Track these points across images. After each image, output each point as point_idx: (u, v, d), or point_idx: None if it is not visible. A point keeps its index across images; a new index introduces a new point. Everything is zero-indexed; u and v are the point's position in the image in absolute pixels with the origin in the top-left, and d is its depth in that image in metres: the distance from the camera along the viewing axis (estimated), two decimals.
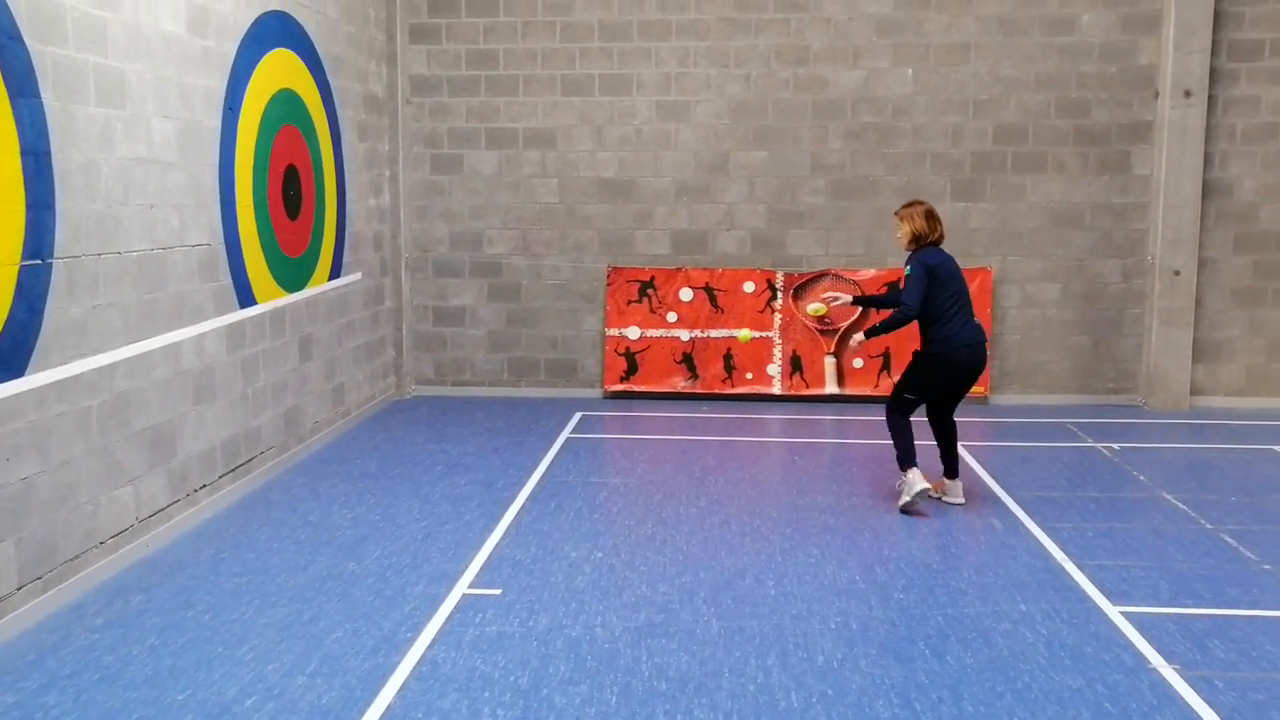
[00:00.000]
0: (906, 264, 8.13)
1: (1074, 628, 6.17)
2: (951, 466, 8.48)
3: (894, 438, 8.24)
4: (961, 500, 8.40)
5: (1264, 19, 11.62)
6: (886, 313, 8.69)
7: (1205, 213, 11.80)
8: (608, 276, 12.41)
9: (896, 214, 8.34)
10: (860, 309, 11.68)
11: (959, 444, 8.63)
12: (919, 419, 8.31)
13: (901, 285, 8.20)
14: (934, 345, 8.08)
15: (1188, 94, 11.56)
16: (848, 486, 8.85)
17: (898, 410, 8.26)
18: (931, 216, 8.22)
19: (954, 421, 8.48)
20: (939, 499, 8.41)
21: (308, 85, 9.92)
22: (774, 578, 6.94)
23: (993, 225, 12.09)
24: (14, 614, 6.04)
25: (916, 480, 8.10)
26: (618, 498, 8.66)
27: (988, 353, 8.29)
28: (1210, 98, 11.65)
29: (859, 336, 8.24)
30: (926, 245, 8.18)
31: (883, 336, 8.58)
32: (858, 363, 12.19)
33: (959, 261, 11.63)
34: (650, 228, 12.43)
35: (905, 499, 8.12)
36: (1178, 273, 11.78)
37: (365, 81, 11.54)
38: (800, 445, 10.51)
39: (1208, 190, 11.78)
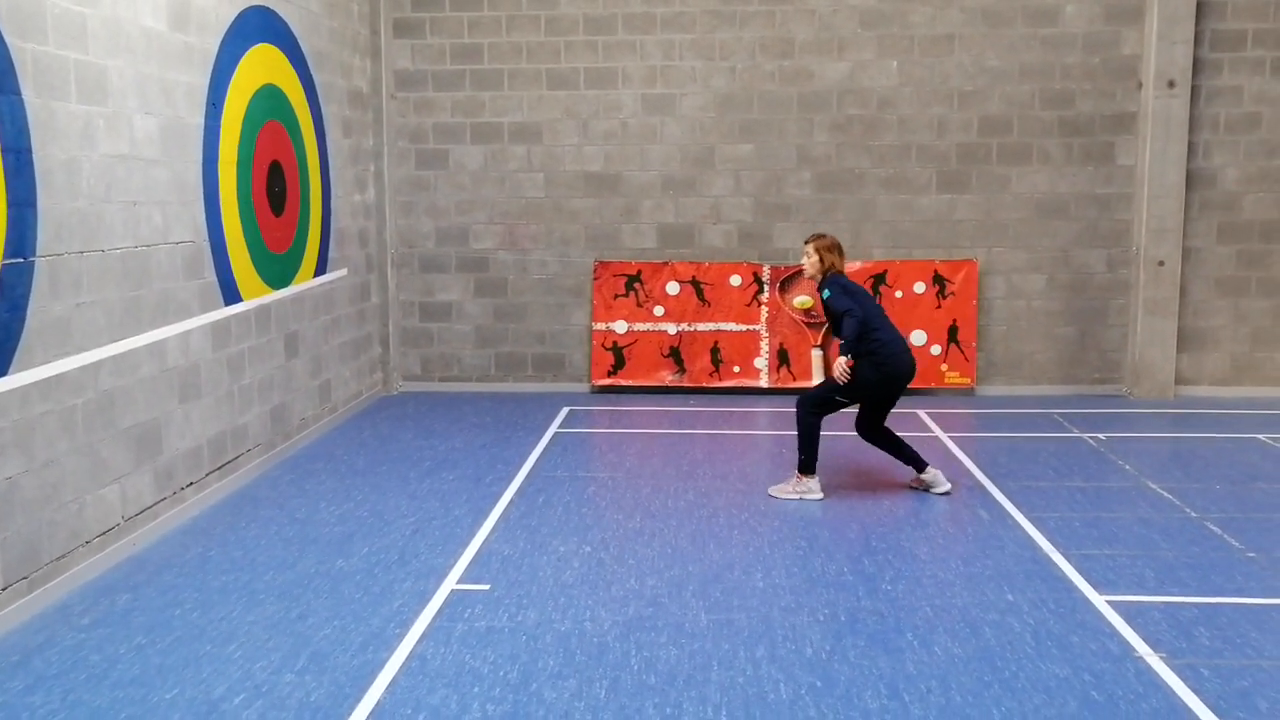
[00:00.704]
0: (822, 289, 8.35)
1: (1061, 617, 6.18)
2: (916, 460, 8.52)
3: (804, 439, 8.35)
4: (947, 487, 8.44)
5: (1246, 9, 11.65)
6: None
7: (1189, 203, 11.84)
8: (594, 271, 12.40)
9: (807, 243, 8.50)
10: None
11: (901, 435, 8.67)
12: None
13: (828, 309, 8.33)
14: (877, 355, 8.16)
15: (1171, 84, 11.59)
16: (835, 479, 8.85)
17: (818, 411, 8.37)
18: (833, 250, 8.41)
19: (887, 427, 8.57)
20: (925, 491, 8.45)
21: (291, 81, 9.89)
22: (762, 570, 6.94)
23: (978, 216, 12.11)
24: (0, 614, 6.02)
25: (816, 489, 8.39)
26: (606, 492, 8.66)
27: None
28: (1194, 88, 11.67)
29: (841, 361, 8.11)
30: (833, 273, 8.40)
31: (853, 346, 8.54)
32: None
33: (946, 254, 11.69)
34: (637, 221, 12.42)
35: (791, 496, 8.37)
36: (1162, 263, 11.81)
37: (349, 76, 11.51)
38: (788, 438, 10.49)
39: (1191, 180, 11.81)
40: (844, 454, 9.52)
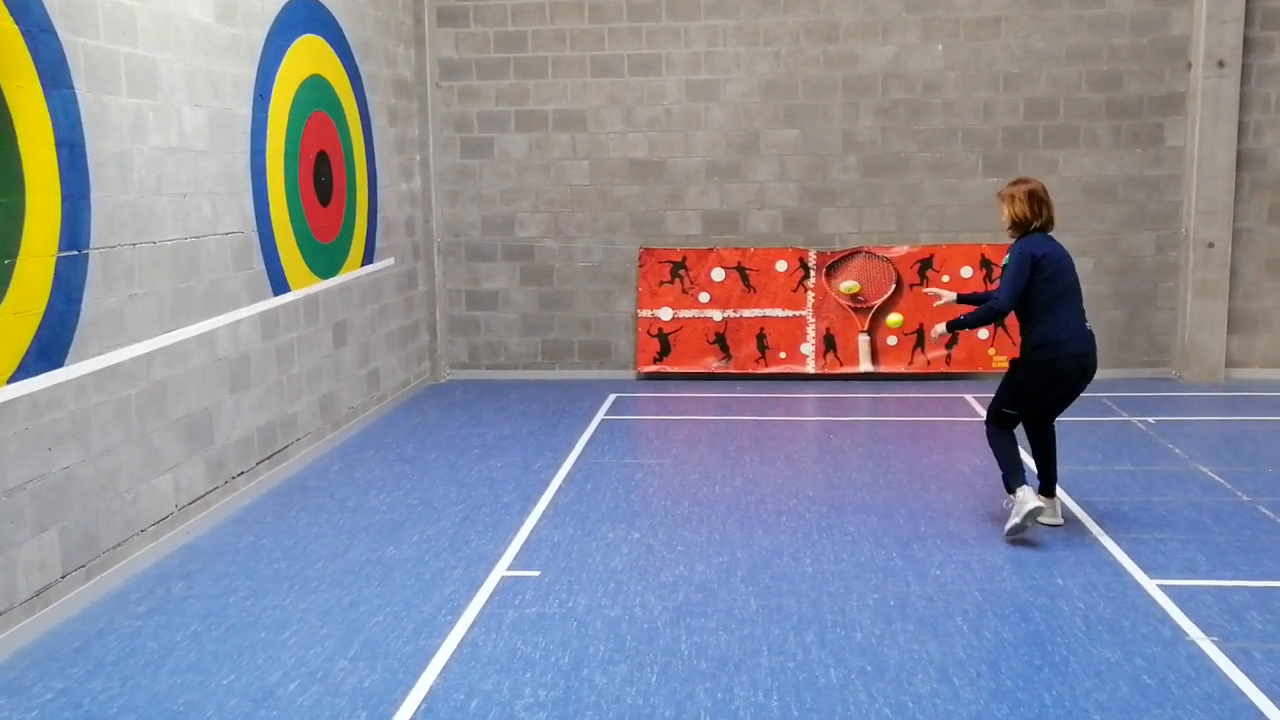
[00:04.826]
0: (1008, 252, 7.13)
1: (1111, 601, 6.15)
2: (1049, 484, 7.45)
3: (996, 454, 7.27)
4: (1060, 521, 7.38)
5: None
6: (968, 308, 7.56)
7: (1239, 184, 11.70)
8: (639, 258, 12.42)
9: (998, 194, 7.30)
10: (893, 289, 11.64)
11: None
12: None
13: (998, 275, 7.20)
14: (1036, 353, 7.03)
15: (1221, 64, 11.45)
16: (883, 464, 8.83)
17: (997, 425, 7.29)
18: (1036, 198, 7.08)
19: (1054, 433, 7.44)
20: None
21: (337, 71, 9.95)
22: (811, 556, 6.94)
23: None
24: (59, 602, 6.11)
25: (1028, 499, 6.95)
26: (653, 478, 8.68)
27: (1097, 360, 7.23)
28: (1244, 67, 11.53)
29: (940, 328, 7.28)
30: (1033, 231, 7.11)
31: (968, 331, 7.46)
32: (891, 340, 12.15)
33: (993, 237, 11.53)
34: (681, 208, 12.42)
35: (1015, 520, 6.97)
36: (1212, 245, 11.69)
37: (394, 66, 11.56)
38: (835, 424, 10.51)
39: (1242, 161, 11.67)
40: (891, 440, 9.49)
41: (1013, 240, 7.21)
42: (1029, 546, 7.02)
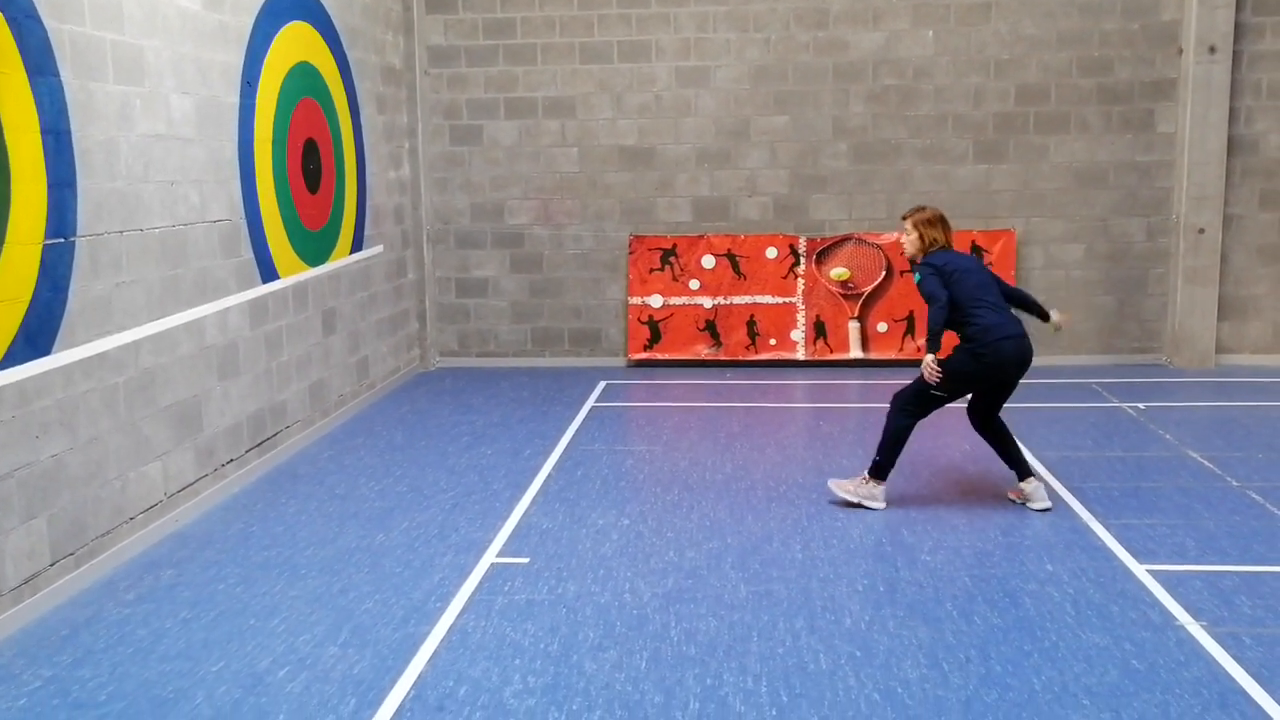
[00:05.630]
0: (916, 271, 7.46)
1: (1101, 586, 6.16)
2: (1022, 466, 7.54)
3: (891, 439, 7.45)
4: (1048, 504, 7.43)
5: None
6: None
7: (1230, 170, 11.71)
8: (629, 245, 12.40)
9: (907, 221, 7.57)
10: (883, 276, 11.67)
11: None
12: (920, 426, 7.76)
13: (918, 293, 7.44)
14: (974, 342, 7.23)
15: (1212, 49, 11.45)
16: (873, 450, 8.80)
17: (914, 411, 7.46)
18: (943, 221, 7.52)
19: (1003, 423, 7.60)
20: (1022, 505, 7.53)
21: (325, 58, 9.91)
22: (801, 542, 6.95)
23: (1015, 187, 12.02)
24: (47, 590, 6.10)
25: (880, 497, 7.51)
26: (644, 465, 8.68)
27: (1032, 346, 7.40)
28: (1235, 53, 11.52)
29: (928, 360, 7.21)
30: (936, 250, 7.48)
31: (943, 336, 7.36)
32: (881, 327, 12.16)
33: (984, 224, 11.59)
34: (671, 195, 12.40)
35: (855, 500, 7.52)
36: (1202, 231, 11.70)
37: (383, 53, 11.53)
38: (825, 410, 10.52)
39: (1233, 147, 11.68)
40: (881, 426, 9.49)
41: (913, 265, 7.56)
42: (1018, 532, 7.03)
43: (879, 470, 7.52)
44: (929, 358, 7.18)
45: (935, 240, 7.47)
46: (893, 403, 7.56)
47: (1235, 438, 9.10)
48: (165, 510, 7.29)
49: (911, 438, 7.51)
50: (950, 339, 7.37)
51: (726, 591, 6.19)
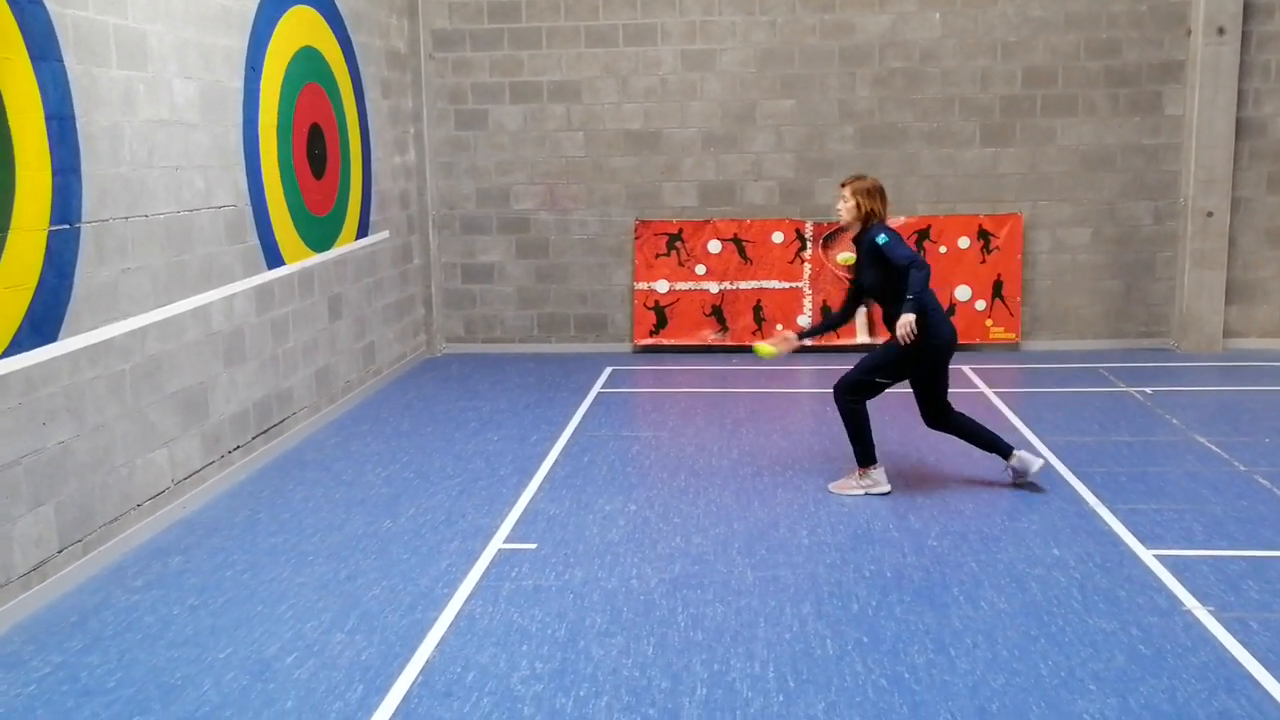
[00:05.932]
0: (870, 237, 7.24)
1: (1107, 571, 6.15)
2: (997, 444, 7.56)
3: (856, 428, 7.44)
4: (1041, 463, 7.51)
5: None
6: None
7: (1239, 152, 11.66)
8: (635, 230, 12.38)
9: (843, 185, 7.44)
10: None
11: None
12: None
13: (883, 258, 7.16)
14: (927, 330, 7.10)
15: (1221, 31, 11.39)
16: (879, 435, 8.76)
17: (858, 396, 7.43)
18: (882, 193, 7.38)
19: (955, 409, 7.59)
20: (1026, 480, 7.54)
21: (329, 42, 9.89)
22: (807, 527, 6.94)
23: (1022, 170, 11.98)
24: (56, 576, 6.11)
25: (882, 480, 7.51)
26: (650, 451, 8.67)
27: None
28: (1244, 34, 11.46)
29: (908, 320, 6.88)
30: (875, 223, 7.35)
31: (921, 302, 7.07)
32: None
33: (991, 208, 11.57)
34: (677, 180, 12.37)
35: (861, 493, 7.47)
36: (1210, 214, 11.65)
37: (387, 37, 11.50)
38: (831, 395, 10.48)
39: (1241, 129, 11.62)
40: (888, 411, 9.49)
41: (851, 231, 7.50)
42: (1025, 517, 7.02)
43: (865, 457, 7.52)
44: (910, 318, 6.89)
45: (873, 211, 7.33)
46: (836, 394, 7.54)
47: (1243, 422, 9.08)
48: (172, 497, 7.30)
49: (917, 422, 7.51)
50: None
51: (733, 577, 6.19)
